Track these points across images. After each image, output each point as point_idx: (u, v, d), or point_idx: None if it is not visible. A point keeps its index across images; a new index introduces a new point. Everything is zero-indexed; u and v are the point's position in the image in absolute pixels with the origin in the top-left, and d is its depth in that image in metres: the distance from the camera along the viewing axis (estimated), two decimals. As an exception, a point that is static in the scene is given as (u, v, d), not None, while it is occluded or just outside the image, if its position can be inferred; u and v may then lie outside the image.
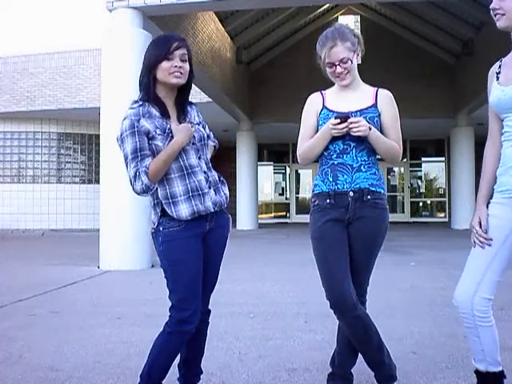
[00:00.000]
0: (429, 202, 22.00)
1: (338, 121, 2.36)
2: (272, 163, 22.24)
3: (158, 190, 2.28)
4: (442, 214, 20.72)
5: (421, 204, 22.09)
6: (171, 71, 2.26)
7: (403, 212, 20.96)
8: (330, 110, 2.49)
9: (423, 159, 21.95)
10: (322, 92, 2.59)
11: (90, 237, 11.09)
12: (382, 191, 2.50)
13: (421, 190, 22.20)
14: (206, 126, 2.53)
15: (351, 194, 2.44)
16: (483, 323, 2.18)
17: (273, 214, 21.81)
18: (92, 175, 15.74)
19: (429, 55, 16.35)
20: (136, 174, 2.21)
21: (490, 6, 2.12)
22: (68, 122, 15.68)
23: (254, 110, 16.56)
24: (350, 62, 2.45)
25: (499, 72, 2.22)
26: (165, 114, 2.29)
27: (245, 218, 16.35)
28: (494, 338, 2.22)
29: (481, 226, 2.20)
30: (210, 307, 2.48)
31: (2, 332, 3.92)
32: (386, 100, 2.51)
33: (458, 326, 3.45)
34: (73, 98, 14.11)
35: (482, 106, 13.14)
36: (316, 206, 2.52)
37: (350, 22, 17.62)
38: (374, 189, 2.46)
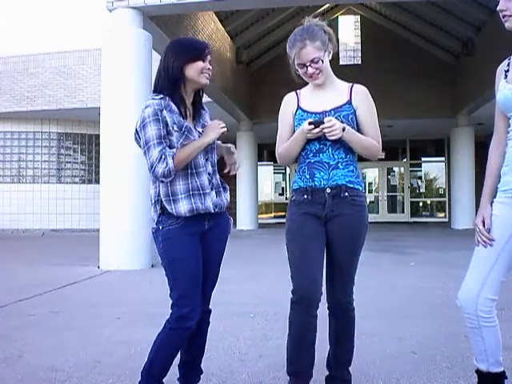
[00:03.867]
0: (429, 201, 22.01)
1: (312, 126, 2.34)
2: (272, 163, 22.23)
3: (160, 187, 2.31)
4: (442, 214, 20.72)
5: (421, 204, 22.10)
6: (203, 71, 2.33)
7: (403, 212, 20.96)
8: (305, 111, 2.47)
9: (423, 159, 21.97)
10: (297, 91, 2.58)
11: (90, 237, 11.08)
12: (361, 188, 2.47)
13: (421, 190, 22.21)
14: None
15: (328, 190, 2.41)
16: (487, 324, 2.18)
17: (273, 214, 21.83)
18: (92, 175, 15.73)
19: (429, 55, 16.34)
20: (161, 156, 2.20)
21: (497, 8, 2.11)
22: (68, 122, 15.66)
23: (253, 110, 16.54)
24: (321, 61, 2.43)
25: (508, 70, 2.21)
26: (183, 114, 2.31)
27: (245, 218, 16.35)
28: (497, 339, 2.21)
29: (484, 225, 2.19)
30: (210, 307, 2.48)
31: (2, 332, 3.92)
32: (361, 96, 2.47)
33: (458, 326, 3.45)
34: (73, 98, 14.09)
35: (482, 106, 13.14)
36: (293, 201, 2.51)
37: (349, 22, 17.65)
38: (351, 185, 2.43)
